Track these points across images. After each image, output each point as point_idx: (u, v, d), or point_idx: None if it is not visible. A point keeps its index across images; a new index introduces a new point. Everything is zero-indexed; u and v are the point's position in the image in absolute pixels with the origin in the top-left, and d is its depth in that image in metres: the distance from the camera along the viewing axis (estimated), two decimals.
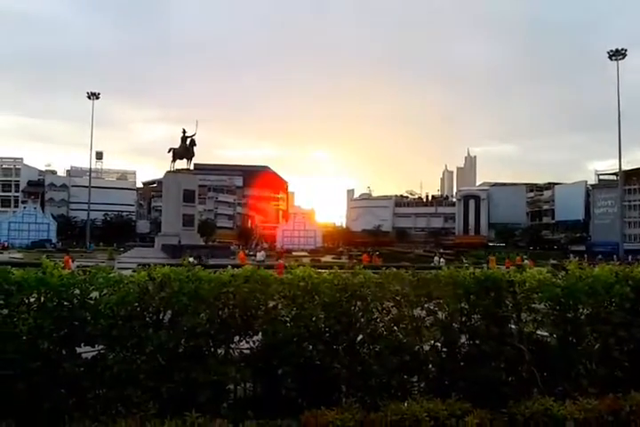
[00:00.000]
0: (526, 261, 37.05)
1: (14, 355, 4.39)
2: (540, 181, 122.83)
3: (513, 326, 5.77)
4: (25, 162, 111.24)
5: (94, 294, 4.79)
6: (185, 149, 56.66)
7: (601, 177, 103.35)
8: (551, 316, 5.86)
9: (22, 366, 4.41)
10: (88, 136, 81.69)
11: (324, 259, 54.91)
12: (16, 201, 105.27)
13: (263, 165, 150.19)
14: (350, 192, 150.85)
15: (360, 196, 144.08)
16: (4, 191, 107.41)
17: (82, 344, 4.73)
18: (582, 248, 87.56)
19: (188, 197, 54.51)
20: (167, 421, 4.09)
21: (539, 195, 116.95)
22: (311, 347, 5.11)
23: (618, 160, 70.11)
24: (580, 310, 5.98)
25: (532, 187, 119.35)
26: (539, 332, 5.92)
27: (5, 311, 4.56)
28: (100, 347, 4.78)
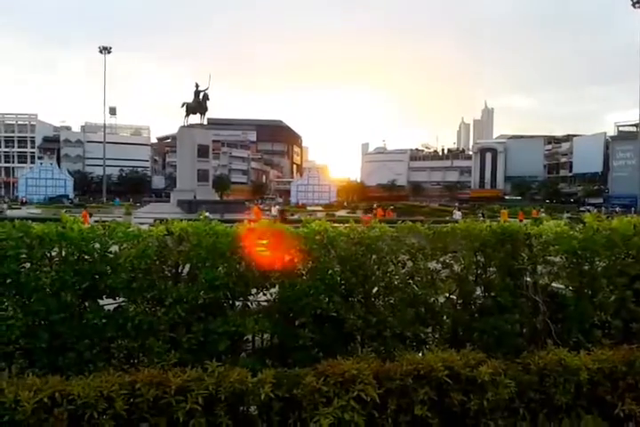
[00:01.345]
0: (543, 215, 36.87)
1: (39, 307, 4.51)
2: (559, 133, 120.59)
3: (528, 279, 5.78)
4: (39, 118, 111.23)
5: (114, 248, 4.86)
6: (198, 104, 56.23)
7: (620, 128, 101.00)
8: (567, 268, 5.86)
9: (46, 318, 4.55)
10: (101, 91, 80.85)
11: (338, 213, 55.12)
12: (32, 157, 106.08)
13: (277, 119, 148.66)
14: (365, 146, 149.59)
15: (375, 150, 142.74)
16: (20, 147, 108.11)
17: (104, 297, 4.85)
18: (600, 201, 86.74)
19: (202, 152, 54.46)
20: (188, 370, 4.21)
21: (557, 147, 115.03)
22: (327, 299, 5.17)
23: (638, 111, 68.35)
24: (597, 263, 5.97)
25: (549, 139, 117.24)
26: (554, 284, 5.94)
27: (28, 265, 4.67)
28: (121, 299, 4.90)
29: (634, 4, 63.86)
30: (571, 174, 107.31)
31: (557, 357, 4.80)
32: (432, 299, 5.55)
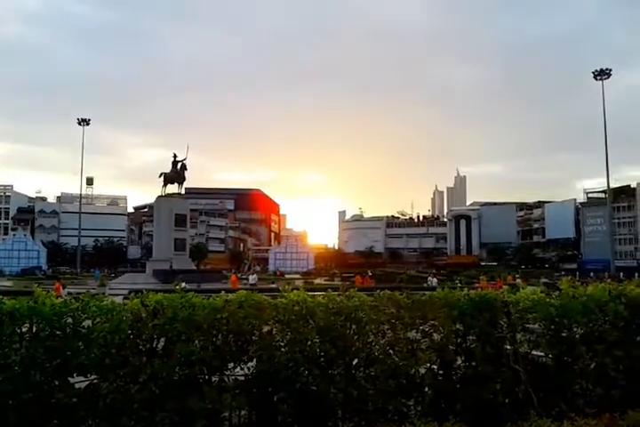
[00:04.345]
0: (518, 280, 37.03)
1: (6, 386, 4.32)
2: (530, 199, 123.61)
3: (508, 347, 5.76)
4: (15, 189, 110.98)
5: (87, 323, 4.74)
6: (176, 174, 56.71)
7: (590, 195, 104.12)
8: (546, 335, 5.87)
9: (15, 397, 4.34)
10: (78, 162, 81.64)
11: (316, 281, 54.73)
12: (6, 228, 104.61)
13: (254, 188, 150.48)
14: (342, 213, 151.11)
15: (352, 217, 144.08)
16: None
17: (75, 374, 4.67)
18: (574, 266, 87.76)
19: (180, 221, 54.32)
20: None
21: (529, 213, 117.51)
22: (307, 372, 5.07)
23: (606, 178, 70.84)
24: (575, 330, 6.00)
25: (521, 206, 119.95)
26: (534, 352, 5.92)
27: None
28: (94, 377, 4.73)
29: (595, 77, 67.61)
30: (544, 240, 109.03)
31: None
32: (413, 370, 5.47)
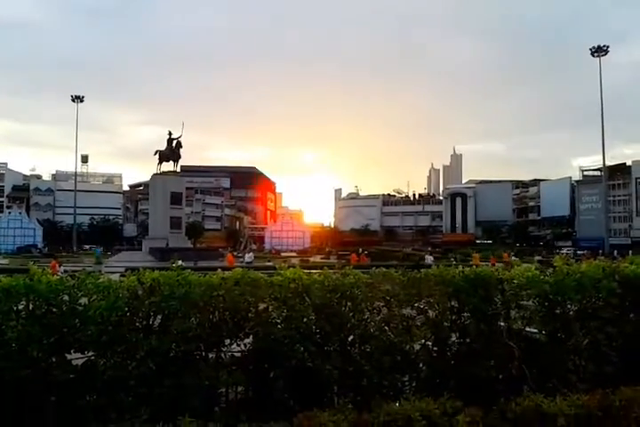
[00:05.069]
0: (513, 258, 37.28)
1: (3, 363, 4.35)
2: (526, 177, 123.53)
3: (502, 324, 5.80)
4: (9, 166, 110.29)
5: (83, 300, 4.75)
6: (171, 151, 56.43)
7: (585, 173, 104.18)
8: (540, 312, 5.91)
9: (12, 374, 4.37)
10: (73, 140, 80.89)
11: (312, 259, 54.94)
12: (0, 206, 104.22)
13: (250, 166, 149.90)
14: (338, 192, 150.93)
15: (348, 195, 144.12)
16: None
17: (72, 351, 4.69)
18: (568, 244, 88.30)
19: (175, 199, 54.26)
20: (159, 426, 4.06)
21: (524, 191, 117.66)
22: (302, 349, 5.11)
23: (602, 156, 70.86)
24: (569, 306, 6.04)
25: (517, 184, 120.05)
26: (528, 328, 5.97)
27: None
28: (91, 353, 4.75)
29: (592, 54, 66.92)
30: (539, 218, 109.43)
31: (534, 403, 4.77)
32: (408, 346, 5.52)
